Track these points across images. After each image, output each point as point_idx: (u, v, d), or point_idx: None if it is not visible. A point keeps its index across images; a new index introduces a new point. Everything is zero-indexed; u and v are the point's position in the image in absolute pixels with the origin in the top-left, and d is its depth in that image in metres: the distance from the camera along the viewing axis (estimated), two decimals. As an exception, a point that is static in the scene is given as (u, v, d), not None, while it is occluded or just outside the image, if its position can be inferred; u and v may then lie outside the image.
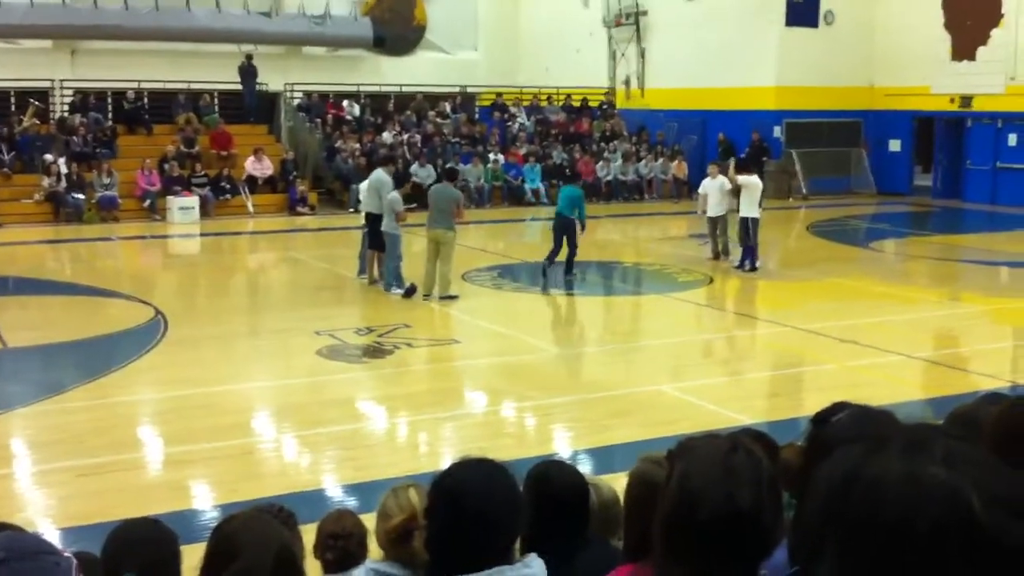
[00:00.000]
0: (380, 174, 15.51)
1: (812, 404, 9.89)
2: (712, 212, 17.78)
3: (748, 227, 17.00)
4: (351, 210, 24.29)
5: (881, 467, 1.23)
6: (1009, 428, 1.97)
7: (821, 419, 2.82)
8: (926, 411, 9.26)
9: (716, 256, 18.00)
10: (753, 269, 17.04)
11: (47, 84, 28.22)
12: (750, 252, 17.13)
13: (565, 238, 15.91)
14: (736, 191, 17.23)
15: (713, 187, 17.72)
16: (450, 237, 14.46)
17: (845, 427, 2.56)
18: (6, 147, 24.71)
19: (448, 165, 18.23)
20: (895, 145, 29.39)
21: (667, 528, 1.95)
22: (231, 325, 13.62)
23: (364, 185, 15.81)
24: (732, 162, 18.45)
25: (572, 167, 26.99)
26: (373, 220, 15.24)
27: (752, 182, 17.22)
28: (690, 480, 1.94)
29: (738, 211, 17.25)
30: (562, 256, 16.03)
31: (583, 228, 16.20)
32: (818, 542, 1.28)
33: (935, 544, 1.18)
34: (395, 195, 15.02)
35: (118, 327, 13.07)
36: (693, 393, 10.19)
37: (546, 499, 3.37)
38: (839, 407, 2.89)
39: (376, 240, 15.22)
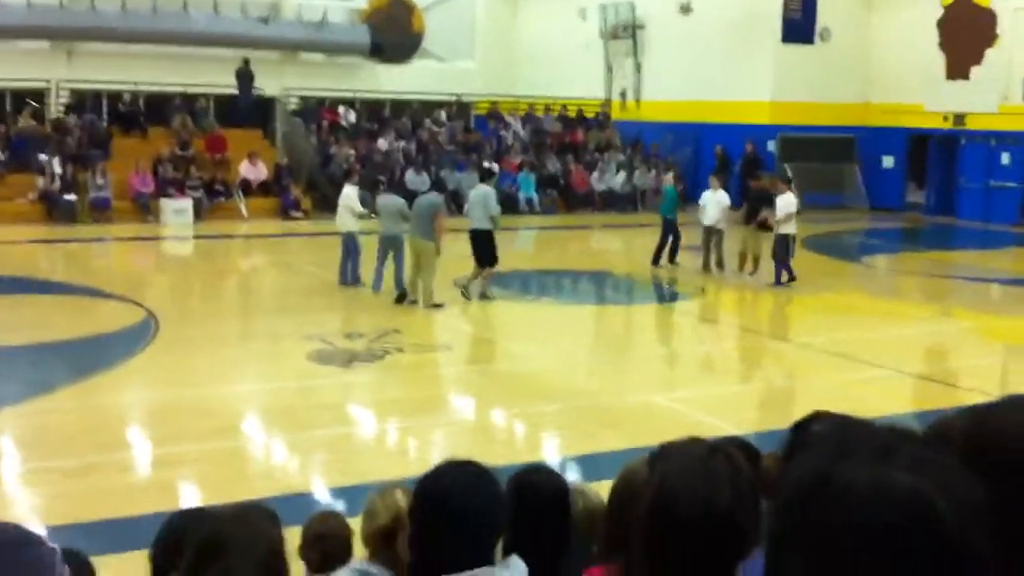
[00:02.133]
0: (485, 188, 15.44)
1: (801, 415, 9.93)
2: (708, 221, 17.76)
3: (789, 244, 16.80)
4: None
5: (849, 473, 1.24)
6: (975, 437, 1.99)
7: (800, 427, 2.84)
8: (914, 426, 9.28)
9: (707, 267, 17.98)
10: (792, 279, 16.87)
11: (44, 85, 28.21)
12: (785, 267, 16.91)
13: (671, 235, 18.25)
14: (765, 224, 17.07)
15: (712, 200, 17.72)
16: (427, 246, 14.26)
17: (823, 436, 2.57)
18: (2, 147, 24.70)
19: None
20: (888, 161, 29.48)
21: (646, 528, 1.96)
22: (222, 328, 13.60)
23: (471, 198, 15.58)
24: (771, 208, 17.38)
25: (671, 170, 26.61)
26: (480, 234, 15.09)
27: (789, 200, 16.88)
28: (669, 481, 1.96)
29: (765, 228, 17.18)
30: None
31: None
32: (785, 542, 1.29)
33: (901, 548, 1.19)
34: (401, 200, 15.31)
35: (109, 328, 13.06)
36: (683, 403, 10.21)
37: (528, 503, 3.37)
38: (818, 416, 2.90)
39: (483, 253, 15.13)
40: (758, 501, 2.06)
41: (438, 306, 14.39)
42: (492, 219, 14.98)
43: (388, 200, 15.32)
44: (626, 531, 2.07)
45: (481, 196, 15.22)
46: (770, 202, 17.43)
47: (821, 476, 1.26)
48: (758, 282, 17.19)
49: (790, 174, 27.61)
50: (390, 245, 15.02)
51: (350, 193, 16.00)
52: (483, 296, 15.22)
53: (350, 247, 15.90)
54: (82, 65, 29.54)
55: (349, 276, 15.89)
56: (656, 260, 18.40)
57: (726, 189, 18.80)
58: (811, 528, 1.24)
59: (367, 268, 15.62)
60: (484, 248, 15.09)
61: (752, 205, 17.79)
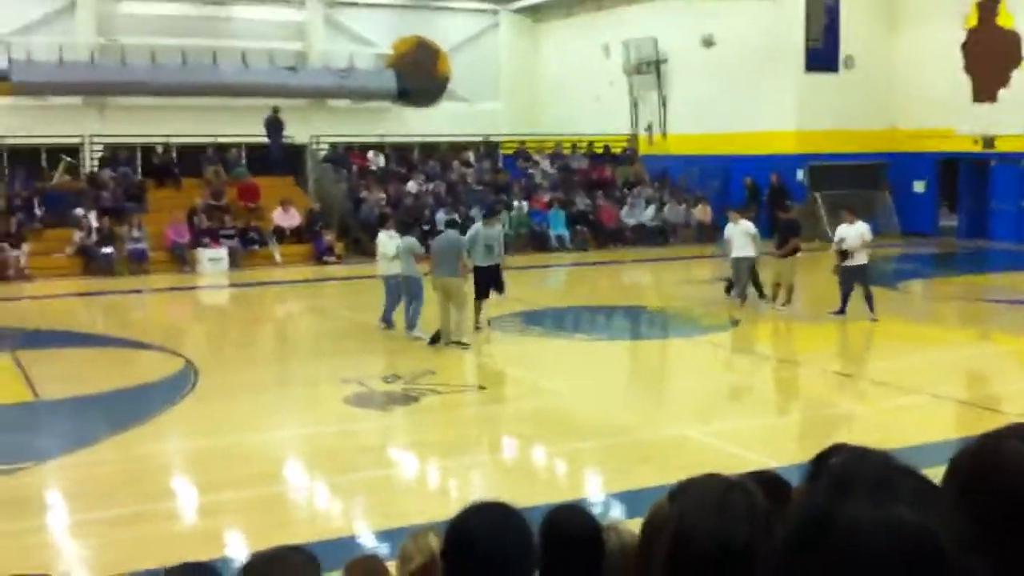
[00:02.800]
0: (483, 228, 15.81)
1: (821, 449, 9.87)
2: (737, 252, 17.70)
3: (866, 273, 16.36)
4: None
5: (852, 510, 1.27)
6: (978, 466, 2.01)
7: (819, 460, 2.87)
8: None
9: (743, 298, 17.83)
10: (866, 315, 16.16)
11: (77, 140, 28.71)
12: (869, 299, 16.23)
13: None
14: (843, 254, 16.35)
15: (737, 231, 17.70)
16: (458, 284, 14.47)
17: (828, 470, 2.59)
18: (38, 202, 25.13)
19: (451, 216, 19.05)
20: (919, 186, 29.36)
21: (666, 565, 1.99)
22: (260, 374, 13.72)
23: (475, 237, 15.69)
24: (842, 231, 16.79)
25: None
26: (485, 271, 15.46)
27: (862, 228, 16.40)
28: (686, 518, 1.96)
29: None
30: None
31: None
32: None
33: None
34: (412, 240, 15.37)
35: (149, 378, 13.21)
36: (719, 437, 10.20)
37: (559, 544, 3.40)
38: (837, 448, 2.94)
39: (483, 289, 15.51)
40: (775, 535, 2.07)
41: (464, 344, 14.47)
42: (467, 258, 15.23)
43: (403, 241, 15.53)
44: (651, 568, 2.09)
45: (469, 236, 15.58)
46: (797, 232, 17.44)
47: (825, 513, 1.29)
48: (793, 312, 17.14)
49: (821, 202, 27.63)
50: (406, 285, 15.19)
51: (383, 239, 16.07)
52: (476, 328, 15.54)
53: (390, 291, 15.96)
54: (114, 119, 30.08)
55: (387, 319, 15.91)
56: (761, 294, 18.01)
57: (756, 220, 18.79)
58: (818, 566, 1.26)
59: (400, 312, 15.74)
60: (485, 281, 15.51)
61: (783, 235, 17.78)
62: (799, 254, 17.61)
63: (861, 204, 29.16)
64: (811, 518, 1.30)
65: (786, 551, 1.32)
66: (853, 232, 16.35)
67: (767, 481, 3.00)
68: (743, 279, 17.77)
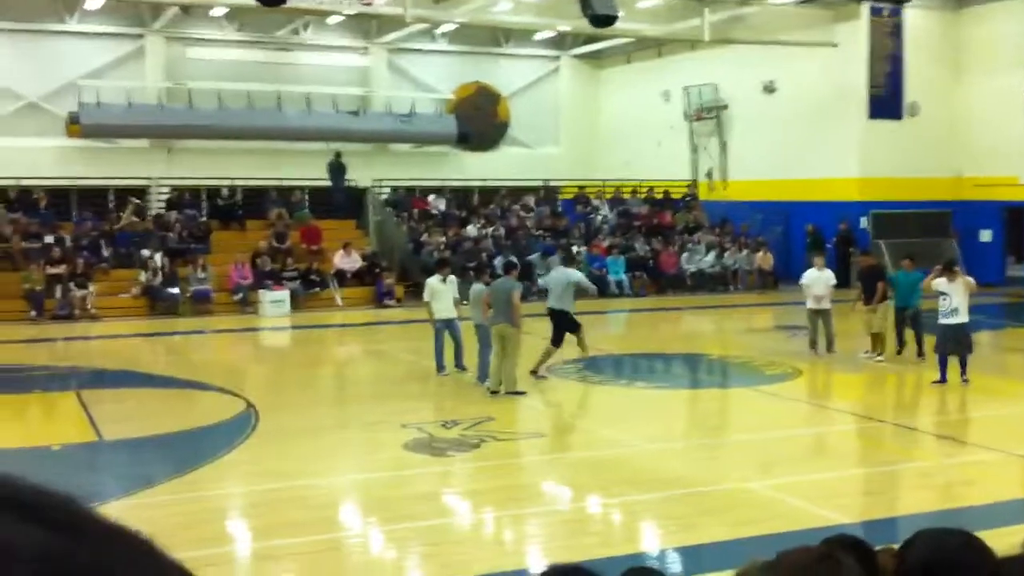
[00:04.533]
0: (565, 271, 16.38)
1: (907, 503, 9.68)
2: (816, 304, 17.42)
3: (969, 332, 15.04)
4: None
5: None
6: None
7: (906, 545, 2.83)
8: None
9: (814, 346, 17.55)
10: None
11: (145, 182, 29.26)
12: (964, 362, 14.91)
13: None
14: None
15: (819, 279, 17.41)
16: (512, 332, 14.35)
17: (924, 552, 2.57)
18: (105, 243, 25.57)
19: (508, 258, 19.27)
20: (986, 235, 28.87)
21: None
22: (320, 418, 13.73)
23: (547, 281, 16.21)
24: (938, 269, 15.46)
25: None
26: (559, 315, 15.70)
27: (970, 281, 15.03)
28: None
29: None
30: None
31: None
32: None
33: None
34: (480, 287, 15.32)
35: (210, 420, 13.30)
36: (783, 490, 9.99)
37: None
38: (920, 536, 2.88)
39: (558, 334, 15.72)
40: None
41: (519, 393, 14.36)
42: (573, 293, 15.77)
43: (472, 289, 15.56)
44: None
45: (563, 277, 15.93)
46: (883, 277, 17.10)
47: None
48: (886, 364, 16.82)
49: (885, 251, 27.24)
50: (477, 334, 15.24)
51: (434, 283, 15.96)
52: (533, 373, 15.54)
53: (438, 336, 15.94)
54: (181, 161, 30.63)
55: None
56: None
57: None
58: None
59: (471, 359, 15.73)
60: (560, 327, 15.72)
61: (866, 284, 17.41)
62: (888, 301, 17.12)
63: (927, 252, 28.80)
64: None
65: None
66: (962, 286, 14.90)
67: (852, 547, 2.94)
68: (829, 329, 17.40)
